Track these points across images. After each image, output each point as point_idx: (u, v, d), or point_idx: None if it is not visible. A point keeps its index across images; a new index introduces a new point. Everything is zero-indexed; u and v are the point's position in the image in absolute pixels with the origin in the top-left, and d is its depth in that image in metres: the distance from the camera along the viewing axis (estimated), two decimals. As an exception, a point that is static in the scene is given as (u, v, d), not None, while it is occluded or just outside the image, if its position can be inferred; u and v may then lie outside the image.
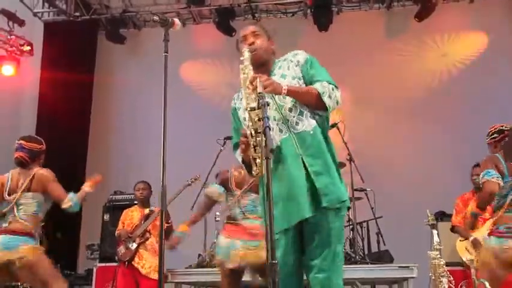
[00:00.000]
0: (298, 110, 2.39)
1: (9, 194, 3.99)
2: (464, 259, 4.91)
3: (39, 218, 4.03)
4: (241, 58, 2.35)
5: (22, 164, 4.07)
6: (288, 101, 2.39)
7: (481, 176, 3.61)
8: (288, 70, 2.49)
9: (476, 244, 4.66)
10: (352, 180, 5.46)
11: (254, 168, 2.14)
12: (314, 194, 2.29)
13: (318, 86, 2.38)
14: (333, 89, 2.38)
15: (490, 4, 7.86)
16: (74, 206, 3.96)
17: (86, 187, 4.13)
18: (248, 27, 2.60)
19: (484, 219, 4.73)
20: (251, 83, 2.19)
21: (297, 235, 2.35)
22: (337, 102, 2.40)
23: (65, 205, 3.94)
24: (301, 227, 2.33)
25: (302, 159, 2.32)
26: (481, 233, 4.65)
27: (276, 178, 2.25)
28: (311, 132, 2.37)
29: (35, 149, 4.10)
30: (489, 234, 3.59)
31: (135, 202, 5.42)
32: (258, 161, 2.11)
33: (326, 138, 2.44)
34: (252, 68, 2.31)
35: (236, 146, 2.53)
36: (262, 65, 2.50)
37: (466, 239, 4.91)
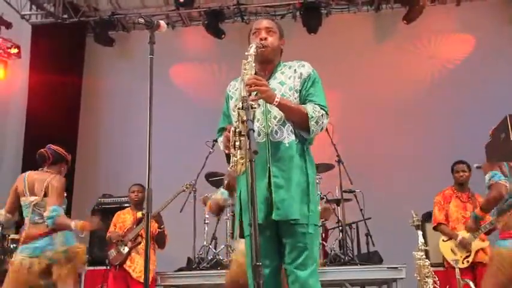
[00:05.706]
0: (282, 120, 2.37)
1: (25, 195, 4.01)
2: (449, 260, 4.75)
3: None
4: (246, 53, 2.33)
5: (43, 158, 4.09)
6: (276, 109, 2.36)
7: (487, 177, 3.57)
8: (288, 79, 2.46)
9: (464, 244, 4.68)
10: (340, 181, 5.48)
11: (230, 164, 2.13)
12: (271, 205, 2.27)
13: (309, 108, 2.35)
14: (322, 115, 2.36)
15: (476, 6, 7.95)
16: (49, 218, 3.86)
17: (78, 225, 3.90)
18: (263, 21, 2.54)
19: (466, 218, 4.75)
20: (248, 85, 2.18)
21: (273, 238, 2.34)
22: (321, 129, 2.38)
23: (45, 212, 3.90)
24: (278, 230, 2.33)
25: (269, 168, 2.30)
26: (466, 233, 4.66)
27: (244, 176, 2.24)
28: (287, 144, 2.35)
29: (60, 152, 4.18)
30: (503, 238, 3.50)
31: (125, 205, 5.40)
32: (234, 158, 2.11)
33: (305, 156, 2.40)
34: (254, 65, 2.29)
35: (221, 131, 2.53)
36: (268, 63, 2.48)
37: (450, 238, 4.83)
